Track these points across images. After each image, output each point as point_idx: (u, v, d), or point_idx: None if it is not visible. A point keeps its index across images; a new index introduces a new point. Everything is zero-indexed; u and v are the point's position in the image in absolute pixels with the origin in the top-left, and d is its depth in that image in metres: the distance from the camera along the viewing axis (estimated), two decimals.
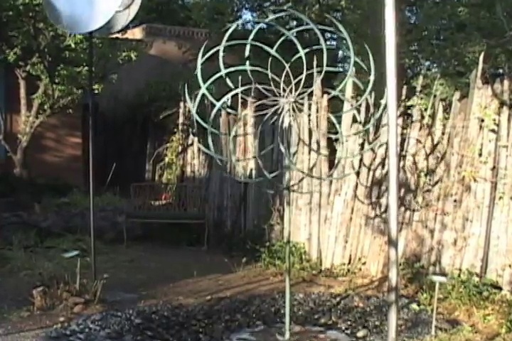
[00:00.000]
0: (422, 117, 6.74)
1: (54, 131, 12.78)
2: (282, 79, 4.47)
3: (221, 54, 4.35)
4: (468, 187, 6.08)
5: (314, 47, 4.66)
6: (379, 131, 6.90)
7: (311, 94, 6.60)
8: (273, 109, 4.57)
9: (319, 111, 7.41)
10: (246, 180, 8.46)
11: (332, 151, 7.40)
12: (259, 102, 4.74)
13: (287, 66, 4.41)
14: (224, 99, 4.65)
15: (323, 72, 4.52)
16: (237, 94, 4.72)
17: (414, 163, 6.69)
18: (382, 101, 4.28)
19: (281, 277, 6.78)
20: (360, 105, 6.80)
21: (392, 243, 3.32)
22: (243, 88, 4.76)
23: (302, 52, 4.49)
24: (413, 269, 6.45)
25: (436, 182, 6.42)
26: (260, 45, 4.51)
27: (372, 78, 4.36)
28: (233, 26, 4.39)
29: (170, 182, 10.99)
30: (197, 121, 4.57)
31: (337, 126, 5.04)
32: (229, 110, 4.88)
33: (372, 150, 7.03)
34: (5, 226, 8.58)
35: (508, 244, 5.78)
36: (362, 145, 7.15)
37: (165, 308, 5.52)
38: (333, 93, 4.70)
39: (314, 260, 7.40)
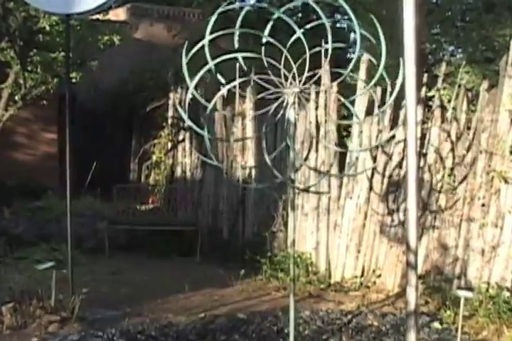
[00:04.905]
0: (445, 110, 6.75)
1: (26, 125, 12.77)
2: (282, 64, 4.46)
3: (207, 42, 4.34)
4: (497, 189, 6.08)
5: (314, 23, 4.67)
6: (396, 125, 6.91)
7: (318, 83, 6.60)
8: (276, 104, 4.57)
9: (328, 102, 7.41)
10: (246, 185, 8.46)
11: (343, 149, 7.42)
12: (260, 95, 4.73)
13: (285, 51, 4.41)
14: (216, 96, 4.64)
15: (329, 55, 4.51)
16: (234, 85, 4.71)
17: (436, 162, 6.70)
18: (398, 82, 4.29)
19: (284, 292, 6.79)
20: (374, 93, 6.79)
21: (411, 253, 3.32)
22: (240, 80, 4.73)
23: (299, 32, 4.48)
24: (435, 283, 6.45)
25: (461, 183, 6.42)
26: (249, 30, 4.51)
27: (383, 59, 4.36)
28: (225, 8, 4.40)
29: (158, 184, 10.99)
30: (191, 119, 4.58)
31: (349, 106, 5.03)
32: (221, 112, 4.86)
33: (388, 142, 7.03)
34: None
35: None
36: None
37: (152, 327, 5.51)
38: (343, 76, 4.69)
39: (322, 272, 7.41)
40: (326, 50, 4.62)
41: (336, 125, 7.42)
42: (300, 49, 4.49)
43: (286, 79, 4.52)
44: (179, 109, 4.48)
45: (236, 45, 4.55)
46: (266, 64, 4.52)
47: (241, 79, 4.71)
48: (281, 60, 4.47)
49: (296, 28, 4.52)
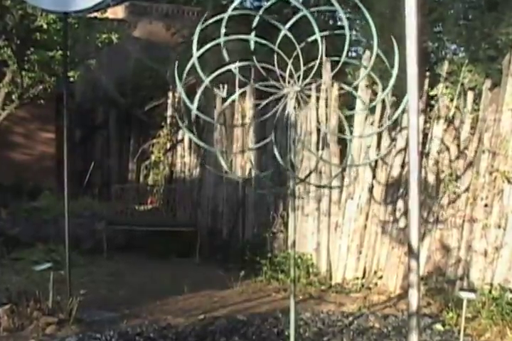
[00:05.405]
0: (448, 109, 6.74)
1: (23, 124, 12.76)
2: (282, 50, 4.42)
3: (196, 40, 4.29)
4: (500, 189, 6.08)
5: (324, 8, 4.61)
6: (397, 125, 6.91)
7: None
8: (267, 101, 4.54)
9: (329, 103, 7.40)
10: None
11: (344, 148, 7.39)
12: (257, 84, 4.71)
13: (284, 29, 4.31)
14: (198, 95, 4.60)
15: (347, 42, 4.43)
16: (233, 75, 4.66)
17: (438, 161, 6.69)
18: (404, 99, 4.27)
19: (285, 293, 6.78)
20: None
21: (412, 254, 3.32)
22: (223, 69, 4.64)
23: (305, 11, 4.39)
24: (437, 284, 6.45)
25: (467, 189, 6.40)
26: (241, 12, 4.46)
27: (395, 71, 4.32)
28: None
29: (157, 184, 10.99)
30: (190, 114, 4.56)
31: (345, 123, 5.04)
32: (203, 116, 4.75)
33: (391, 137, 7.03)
34: None
35: None
36: (378, 141, 7.15)
37: (151, 329, 5.51)
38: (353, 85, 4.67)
39: (323, 273, 7.41)
40: (328, 48, 4.59)
41: (336, 126, 7.41)
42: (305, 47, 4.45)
43: (286, 68, 4.47)
44: (177, 116, 4.44)
45: (223, 30, 4.47)
46: (253, 46, 4.45)
47: (223, 69, 4.60)
48: (280, 53, 4.43)
49: (301, 7, 4.44)
